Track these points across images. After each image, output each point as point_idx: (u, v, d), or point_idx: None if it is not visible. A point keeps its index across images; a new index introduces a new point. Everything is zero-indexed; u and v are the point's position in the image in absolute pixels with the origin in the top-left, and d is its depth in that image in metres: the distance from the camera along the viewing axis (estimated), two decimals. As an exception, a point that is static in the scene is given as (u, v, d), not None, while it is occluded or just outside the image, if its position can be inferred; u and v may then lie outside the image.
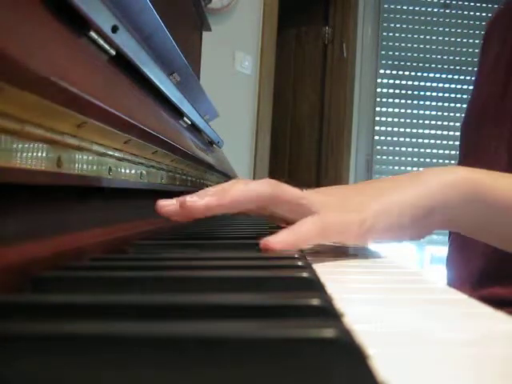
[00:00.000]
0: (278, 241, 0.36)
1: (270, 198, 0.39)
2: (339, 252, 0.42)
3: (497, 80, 0.65)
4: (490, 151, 0.63)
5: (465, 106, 0.77)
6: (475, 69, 0.75)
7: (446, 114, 2.85)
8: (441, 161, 2.84)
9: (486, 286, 0.60)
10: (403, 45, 2.86)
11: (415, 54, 2.85)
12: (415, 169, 2.83)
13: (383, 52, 2.85)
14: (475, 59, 0.77)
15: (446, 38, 2.85)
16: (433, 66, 2.86)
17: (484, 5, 2.82)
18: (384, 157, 2.87)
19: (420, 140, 2.86)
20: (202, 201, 0.37)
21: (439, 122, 2.86)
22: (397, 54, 2.86)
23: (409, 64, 2.86)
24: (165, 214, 0.38)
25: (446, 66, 2.86)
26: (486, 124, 0.66)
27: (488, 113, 0.66)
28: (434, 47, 2.85)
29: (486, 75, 0.70)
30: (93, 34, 0.37)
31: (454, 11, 2.85)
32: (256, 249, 0.37)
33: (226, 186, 0.39)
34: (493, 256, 0.60)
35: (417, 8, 2.85)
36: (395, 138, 2.87)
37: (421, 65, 2.86)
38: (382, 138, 2.87)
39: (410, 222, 0.38)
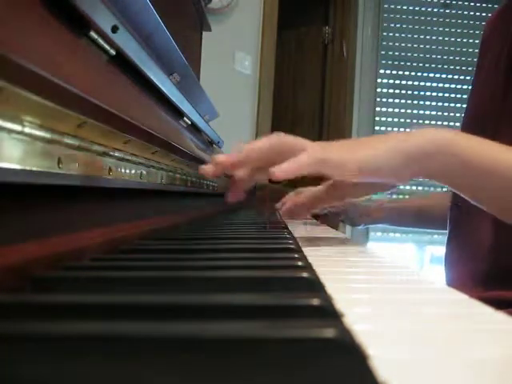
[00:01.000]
0: (282, 170, 0.44)
1: (274, 146, 0.48)
2: (339, 252, 0.42)
3: (495, 84, 0.65)
4: None
5: (465, 106, 0.77)
6: (475, 69, 0.75)
7: (445, 113, 2.85)
8: (441, 161, 2.83)
9: (487, 289, 0.60)
10: (403, 45, 2.86)
11: (415, 54, 2.85)
12: (415, 169, 2.83)
13: (383, 52, 2.85)
14: (475, 59, 0.77)
15: (446, 38, 2.84)
16: (433, 65, 2.86)
17: (484, 5, 2.82)
18: (384, 157, 2.87)
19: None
20: (223, 159, 0.47)
21: (439, 122, 2.86)
22: (397, 53, 2.86)
23: (409, 64, 2.86)
24: (204, 173, 0.48)
25: (446, 66, 2.86)
26: (485, 128, 0.66)
27: (486, 117, 0.66)
28: (434, 47, 2.85)
29: (483, 78, 0.70)
30: (93, 34, 0.37)
31: (454, 11, 2.85)
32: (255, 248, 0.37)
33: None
34: (495, 259, 0.60)
35: (417, 8, 2.85)
36: (395, 138, 2.87)
37: (421, 65, 2.86)
38: (382, 137, 2.87)
39: (395, 165, 0.46)
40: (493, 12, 0.74)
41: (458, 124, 2.69)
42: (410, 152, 0.46)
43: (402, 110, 2.87)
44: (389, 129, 2.87)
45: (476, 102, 0.71)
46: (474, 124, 0.70)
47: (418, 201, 1.00)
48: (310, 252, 0.40)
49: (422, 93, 2.86)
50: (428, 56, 2.85)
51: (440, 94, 2.86)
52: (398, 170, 0.47)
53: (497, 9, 0.72)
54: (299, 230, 0.67)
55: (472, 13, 2.85)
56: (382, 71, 2.85)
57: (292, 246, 0.39)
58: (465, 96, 2.81)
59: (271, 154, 0.47)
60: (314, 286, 0.24)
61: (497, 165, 0.46)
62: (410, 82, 2.86)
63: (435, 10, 2.85)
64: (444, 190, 1.38)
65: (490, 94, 0.66)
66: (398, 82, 2.87)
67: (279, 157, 0.46)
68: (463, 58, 2.84)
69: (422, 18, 2.85)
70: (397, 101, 2.87)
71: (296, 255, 0.34)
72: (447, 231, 0.73)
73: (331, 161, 0.46)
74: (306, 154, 0.45)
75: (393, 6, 2.84)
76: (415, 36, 2.85)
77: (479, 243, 0.62)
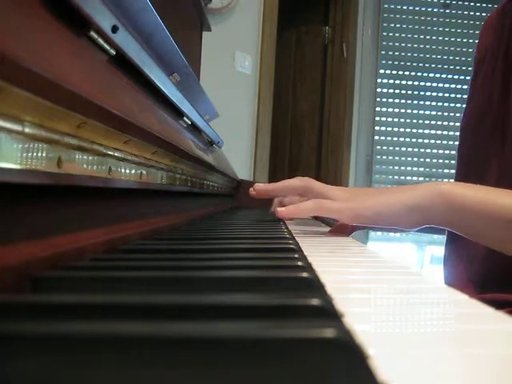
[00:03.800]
0: (285, 212, 0.59)
1: (303, 188, 0.62)
2: (339, 252, 0.42)
3: (493, 85, 0.65)
4: (484, 160, 0.64)
5: (465, 106, 0.77)
6: (473, 70, 0.75)
7: (445, 113, 2.85)
8: (441, 160, 2.84)
9: (484, 291, 0.60)
10: (403, 45, 2.86)
11: (415, 54, 2.85)
12: (415, 168, 2.83)
13: (383, 52, 2.85)
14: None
15: (446, 38, 2.85)
16: (433, 65, 2.86)
17: (484, 5, 2.82)
18: (384, 157, 2.87)
19: (420, 140, 2.86)
20: (262, 187, 0.67)
21: (439, 122, 2.86)
22: (397, 54, 2.86)
23: (409, 64, 2.86)
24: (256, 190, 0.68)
25: (446, 66, 2.86)
26: (484, 129, 0.66)
27: (485, 118, 0.66)
28: (433, 47, 2.85)
29: (482, 79, 0.70)
30: (93, 34, 0.37)
31: (453, 11, 2.85)
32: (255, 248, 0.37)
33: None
34: (495, 262, 0.60)
35: (417, 8, 2.85)
36: (395, 138, 2.87)
37: (421, 65, 2.86)
38: (382, 137, 2.87)
39: (396, 214, 0.53)
40: (490, 12, 0.74)
41: (457, 124, 2.69)
42: (411, 203, 0.52)
43: (402, 110, 2.87)
44: (389, 129, 2.87)
45: (475, 102, 0.71)
46: (474, 124, 0.70)
47: None
48: (309, 252, 0.40)
49: (422, 93, 2.86)
50: (428, 56, 2.85)
51: (440, 94, 2.86)
52: (399, 219, 0.54)
53: (494, 9, 0.72)
54: (299, 229, 0.67)
55: (472, 13, 2.85)
56: (382, 71, 2.85)
57: (292, 246, 0.39)
58: (465, 96, 2.80)
59: (297, 193, 0.64)
60: (314, 286, 0.24)
61: (491, 207, 0.50)
62: (410, 82, 2.87)
63: (435, 10, 2.85)
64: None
65: (489, 94, 0.66)
66: (398, 81, 2.87)
67: (303, 195, 0.62)
68: (463, 58, 2.85)
69: (422, 18, 2.85)
70: (397, 101, 2.87)
71: (296, 255, 0.34)
72: (446, 233, 0.73)
73: (328, 206, 0.57)
74: (315, 204, 0.57)
75: (393, 6, 2.84)
76: (415, 36, 2.85)
77: (477, 245, 0.62)
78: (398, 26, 2.85)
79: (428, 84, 2.86)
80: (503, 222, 0.49)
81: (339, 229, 0.69)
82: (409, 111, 2.87)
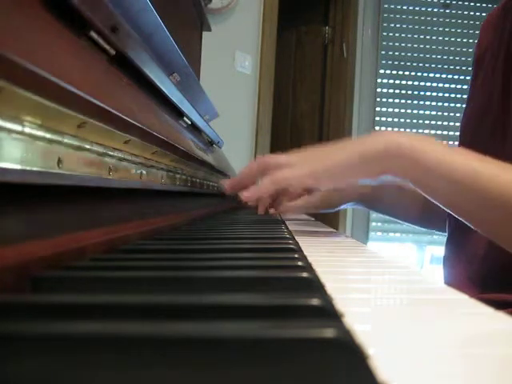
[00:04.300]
0: (246, 195, 0.58)
1: (258, 169, 0.59)
2: (339, 252, 0.42)
3: (493, 85, 0.65)
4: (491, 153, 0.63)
5: (465, 106, 0.77)
6: (473, 70, 0.75)
7: (445, 113, 2.85)
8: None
9: (484, 291, 0.60)
10: (403, 45, 2.86)
11: (415, 54, 2.85)
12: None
13: (383, 52, 2.85)
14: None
15: (446, 38, 2.84)
16: (433, 65, 2.86)
17: (484, 5, 2.82)
18: (384, 157, 2.86)
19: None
20: (229, 184, 0.65)
21: (439, 122, 2.86)
22: (397, 53, 2.86)
23: (409, 64, 2.86)
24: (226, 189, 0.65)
25: (446, 66, 2.86)
26: (481, 134, 0.66)
27: (485, 118, 0.66)
28: (434, 47, 2.85)
29: (482, 79, 0.70)
30: (93, 34, 0.37)
31: (453, 11, 2.85)
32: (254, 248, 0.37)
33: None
34: (495, 261, 0.59)
35: (417, 8, 2.85)
36: (395, 138, 2.87)
37: (421, 65, 2.86)
38: (382, 137, 2.87)
39: (355, 167, 0.52)
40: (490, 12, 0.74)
41: (457, 124, 2.69)
42: (368, 154, 0.51)
43: (402, 110, 2.87)
44: (389, 129, 2.87)
45: (475, 102, 0.71)
46: (474, 124, 0.70)
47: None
48: (309, 252, 0.40)
49: (422, 93, 2.86)
50: (428, 56, 2.85)
51: (440, 94, 2.86)
52: (358, 170, 0.52)
53: (495, 7, 0.72)
54: (299, 229, 0.67)
55: (472, 13, 2.85)
56: (382, 71, 2.85)
57: (292, 246, 0.39)
58: (465, 96, 2.80)
59: (258, 174, 0.59)
60: (314, 286, 0.24)
61: (454, 173, 0.48)
62: (410, 82, 2.86)
63: (435, 10, 2.85)
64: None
65: (489, 94, 0.66)
66: (398, 82, 2.87)
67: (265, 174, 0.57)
68: (463, 58, 2.84)
69: (422, 18, 2.85)
70: (397, 101, 2.87)
71: (296, 255, 0.34)
72: (447, 232, 0.73)
73: (286, 180, 0.55)
74: (269, 180, 0.56)
75: (393, 6, 2.84)
76: (415, 36, 2.85)
77: (476, 244, 0.62)
78: (398, 26, 2.85)
79: (428, 84, 2.86)
80: (472, 193, 0.47)
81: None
82: (409, 111, 2.86)
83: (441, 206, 0.52)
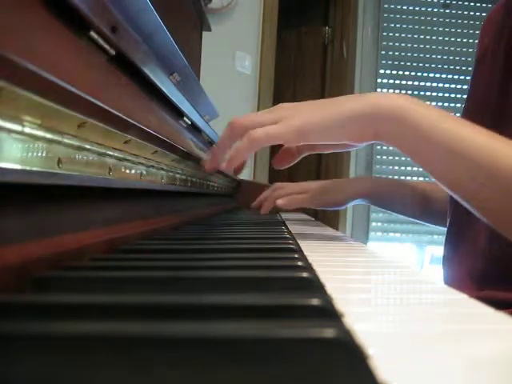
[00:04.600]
0: (228, 162, 0.53)
1: (240, 129, 0.51)
2: (339, 252, 0.42)
3: (492, 79, 0.65)
4: None
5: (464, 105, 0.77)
6: (473, 65, 0.75)
7: (445, 114, 2.85)
8: (441, 161, 2.83)
9: (483, 288, 0.60)
10: (403, 45, 2.86)
11: (415, 54, 2.85)
12: (415, 168, 2.83)
13: (383, 52, 2.85)
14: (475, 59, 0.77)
15: (446, 38, 2.84)
16: (433, 65, 2.86)
17: (484, 5, 2.82)
18: (384, 157, 2.87)
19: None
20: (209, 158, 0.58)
21: (439, 122, 2.85)
22: (397, 54, 2.86)
23: (409, 64, 2.86)
24: (206, 168, 0.58)
25: (446, 66, 2.86)
26: (482, 124, 0.66)
27: (485, 111, 0.66)
28: (434, 47, 2.85)
29: (481, 74, 0.70)
30: (93, 34, 0.37)
31: (453, 11, 2.85)
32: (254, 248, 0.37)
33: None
34: (494, 258, 0.59)
35: (417, 8, 2.85)
36: (395, 138, 2.87)
37: (421, 65, 2.86)
38: (382, 137, 2.87)
39: (345, 125, 0.48)
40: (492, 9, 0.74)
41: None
42: (361, 112, 0.47)
43: (402, 110, 2.86)
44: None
45: (474, 98, 0.72)
46: (473, 120, 0.70)
47: (422, 184, 0.87)
48: (309, 252, 0.40)
49: (422, 93, 2.85)
50: (428, 56, 2.85)
51: (440, 94, 2.86)
52: (349, 130, 0.48)
53: (496, 5, 0.72)
54: (299, 229, 0.67)
55: (472, 13, 2.85)
56: (382, 71, 2.85)
57: (292, 246, 0.39)
58: (465, 96, 2.80)
59: (236, 139, 0.52)
60: (314, 286, 0.24)
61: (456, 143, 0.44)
62: (409, 82, 2.86)
63: (435, 10, 2.85)
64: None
65: (488, 90, 0.66)
66: (398, 82, 2.87)
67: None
68: (463, 58, 2.84)
69: (422, 18, 2.84)
70: (397, 101, 2.86)
71: (296, 255, 0.34)
72: (446, 228, 0.73)
73: (273, 136, 0.49)
74: (246, 138, 0.49)
75: (393, 6, 2.84)
76: (415, 36, 2.85)
77: (476, 238, 0.62)
78: (398, 26, 2.85)
79: (428, 84, 2.86)
80: (471, 165, 0.43)
81: (284, 155, 0.59)
82: (409, 111, 2.86)
83: (436, 179, 0.49)
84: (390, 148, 2.87)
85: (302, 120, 0.48)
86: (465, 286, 0.63)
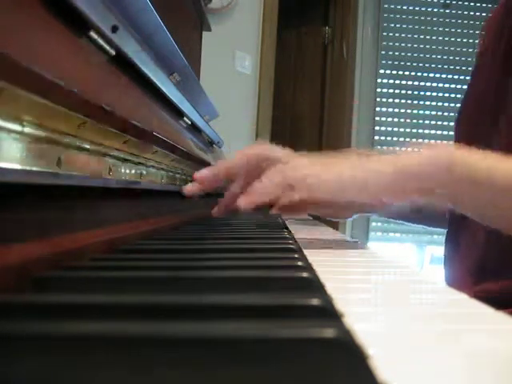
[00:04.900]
0: (245, 203, 0.44)
1: (258, 156, 0.48)
2: (339, 252, 0.42)
3: (491, 79, 0.65)
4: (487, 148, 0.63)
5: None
6: (474, 63, 0.75)
7: (445, 113, 2.85)
8: (441, 161, 2.83)
9: (484, 281, 0.60)
10: (403, 45, 2.86)
11: (415, 54, 2.85)
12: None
13: (383, 52, 2.85)
14: (475, 59, 0.77)
15: (446, 38, 2.84)
16: (433, 65, 2.86)
17: (484, 5, 2.82)
18: (384, 157, 2.87)
19: (420, 140, 2.86)
20: (203, 174, 0.50)
21: (439, 122, 2.86)
22: (397, 53, 2.86)
23: (409, 64, 2.86)
24: (189, 193, 0.51)
25: (446, 66, 2.86)
26: (481, 121, 0.66)
27: (483, 110, 0.66)
28: (434, 47, 2.85)
29: (481, 72, 0.70)
30: (93, 34, 0.37)
31: (454, 11, 2.85)
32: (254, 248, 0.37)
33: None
34: (492, 248, 0.59)
35: (417, 8, 2.85)
36: (395, 138, 2.87)
37: (421, 65, 2.85)
38: (382, 138, 2.87)
39: (386, 182, 0.42)
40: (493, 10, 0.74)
41: (457, 124, 2.69)
42: (407, 169, 0.42)
43: (402, 110, 2.87)
44: (389, 129, 2.87)
45: (473, 95, 0.72)
46: (468, 122, 0.70)
47: None
48: (309, 252, 0.40)
49: (422, 93, 2.85)
50: (428, 56, 2.85)
51: (440, 94, 2.86)
52: (388, 188, 0.43)
53: (499, 3, 0.72)
54: (299, 230, 0.67)
55: (472, 13, 2.85)
56: (382, 71, 2.85)
57: (292, 246, 0.39)
58: (465, 96, 2.80)
59: (249, 167, 0.48)
60: (314, 286, 0.24)
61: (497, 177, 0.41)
62: (410, 82, 2.86)
63: (435, 10, 2.85)
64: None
65: (487, 88, 0.66)
66: (398, 81, 2.87)
67: (257, 170, 0.46)
68: (463, 58, 2.84)
69: (422, 18, 2.85)
70: (397, 101, 2.87)
71: (296, 255, 0.34)
72: (447, 228, 0.73)
73: (294, 185, 0.44)
74: (268, 180, 0.44)
75: (393, 6, 2.84)
76: (415, 36, 2.85)
77: (475, 232, 0.62)
78: (398, 26, 2.85)
79: (428, 84, 2.86)
80: None
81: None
82: (409, 111, 2.86)
83: (484, 220, 0.46)
84: (390, 148, 2.87)
85: (341, 171, 0.44)
86: (465, 285, 0.63)
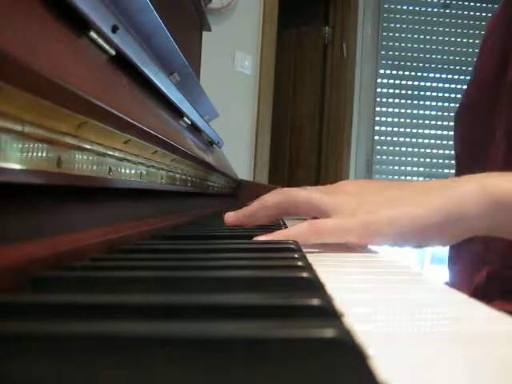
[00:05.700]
0: (279, 237, 0.42)
1: (282, 204, 0.46)
2: (339, 252, 0.42)
3: (489, 71, 0.65)
4: (489, 139, 0.63)
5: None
6: (476, 61, 0.75)
7: (446, 113, 2.85)
8: (441, 161, 2.84)
9: (488, 299, 0.60)
10: (403, 45, 2.86)
11: (415, 54, 2.85)
12: (415, 168, 2.83)
13: (383, 52, 2.85)
14: (475, 59, 0.77)
15: (446, 38, 2.85)
16: (433, 65, 2.86)
17: (484, 5, 2.82)
18: (384, 157, 2.87)
19: (420, 140, 2.86)
20: (231, 218, 0.50)
21: (439, 122, 2.86)
22: (397, 53, 2.86)
23: (409, 64, 2.86)
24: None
25: (445, 66, 2.86)
26: (481, 112, 0.66)
27: (484, 101, 0.66)
28: (434, 47, 2.85)
29: (480, 66, 0.70)
30: (93, 34, 0.37)
31: (454, 11, 2.85)
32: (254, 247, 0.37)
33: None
34: (497, 240, 0.59)
35: (417, 8, 2.86)
36: (395, 138, 2.87)
37: (421, 65, 2.86)
38: (382, 137, 2.87)
39: (434, 227, 0.38)
40: (493, 12, 0.75)
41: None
42: (455, 210, 0.38)
43: (402, 110, 2.87)
44: (389, 129, 2.87)
45: (471, 90, 0.72)
46: (469, 113, 0.70)
47: None
48: (309, 252, 0.40)
49: (422, 93, 2.86)
50: (428, 56, 2.85)
51: (440, 94, 2.86)
52: (437, 233, 0.39)
53: (502, 1, 0.72)
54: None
55: (472, 13, 2.85)
56: (382, 71, 2.86)
57: (292, 246, 0.39)
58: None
59: (275, 212, 0.48)
60: (314, 285, 0.24)
61: None
62: (410, 82, 2.87)
63: (435, 10, 2.86)
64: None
65: (486, 80, 0.66)
66: (398, 81, 2.87)
67: (288, 212, 0.46)
68: (463, 58, 2.85)
69: (422, 18, 2.85)
70: (397, 101, 2.87)
71: (296, 255, 0.34)
72: None
73: (328, 230, 0.41)
74: (307, 226, 0.41)
75: (393, 6, 2.85)
76: (415, 36, 2.86)
77: (475, 240, 0.62)
78: (398, 26, 2.85)
79: (428, 84, 2.86)
80: None
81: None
82: (409, 111, 2.87)
83: None
84: (390, 148, 2.87)
85: (374, 215, 0.40)
86: (466, 285, 0.63)
